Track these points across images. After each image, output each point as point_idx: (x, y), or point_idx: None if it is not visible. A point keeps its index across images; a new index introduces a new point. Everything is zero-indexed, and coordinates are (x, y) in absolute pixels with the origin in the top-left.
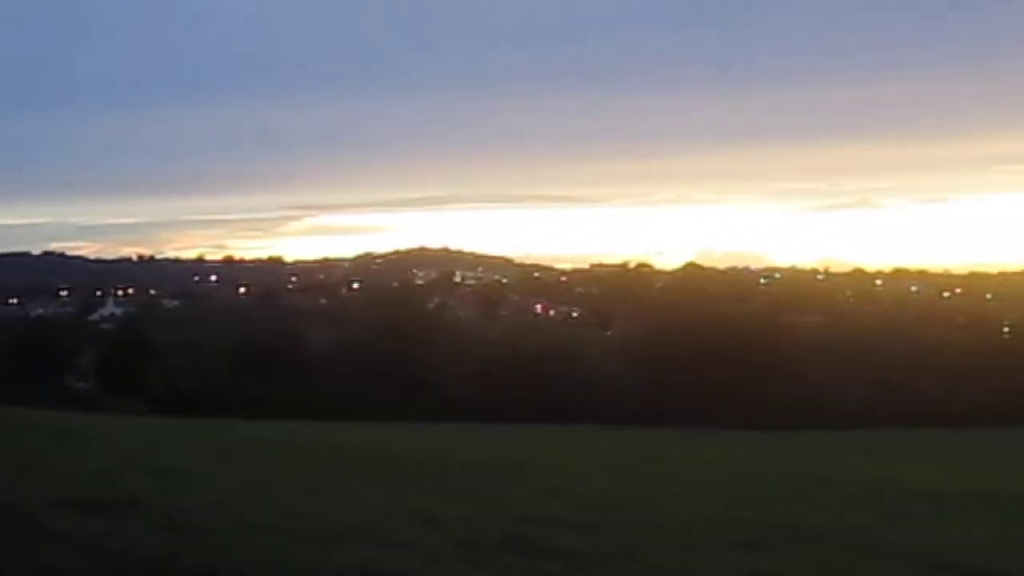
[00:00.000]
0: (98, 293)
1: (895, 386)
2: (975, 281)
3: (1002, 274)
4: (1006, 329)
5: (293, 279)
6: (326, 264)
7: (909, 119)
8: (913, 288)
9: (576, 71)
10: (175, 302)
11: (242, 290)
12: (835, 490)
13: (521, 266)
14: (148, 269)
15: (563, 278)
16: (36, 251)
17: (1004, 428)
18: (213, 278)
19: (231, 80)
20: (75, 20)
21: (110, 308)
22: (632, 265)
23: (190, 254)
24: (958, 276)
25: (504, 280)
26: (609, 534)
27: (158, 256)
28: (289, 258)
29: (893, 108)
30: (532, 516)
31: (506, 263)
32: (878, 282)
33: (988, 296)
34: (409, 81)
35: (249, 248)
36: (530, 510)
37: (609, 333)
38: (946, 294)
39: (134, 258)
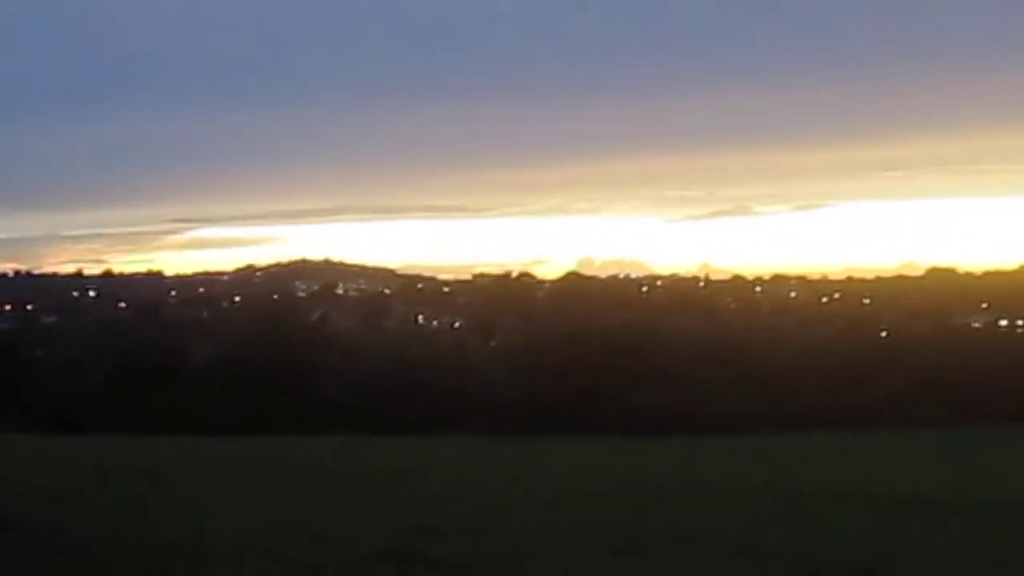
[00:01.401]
0: None
1: (777, 390)
2: (853, 286)
3: (879, 278)
4: (883, 333)
5: (173, 293)
6: (207, 277)
7: (787, 126)
8: (792, 294)
9: (455, 80)
10: (53, 317)
11: (122, 304)
12: (716, 494)
13: (404, 277)
14: (26, 284)
15: (446, 288)
16: None
17: (884, 431)
18: (92, 292)
19: (107, 92)
20: None
21: None
22: (514, 274)
23: (68, 269)
24: (836, 281)
25: (387, 291)
26: (490, 543)
27: (35, 271)
28: (169, 271)
29: (771, 115)
30: (414, 526)
31: (388, 274)
32: (758, 288)
33: (865, 300)
34: (289, 92)
35: (129, 262)
36: (412, 521)
37: (492, 342)
38: (824, 299)
39: (11, 274)
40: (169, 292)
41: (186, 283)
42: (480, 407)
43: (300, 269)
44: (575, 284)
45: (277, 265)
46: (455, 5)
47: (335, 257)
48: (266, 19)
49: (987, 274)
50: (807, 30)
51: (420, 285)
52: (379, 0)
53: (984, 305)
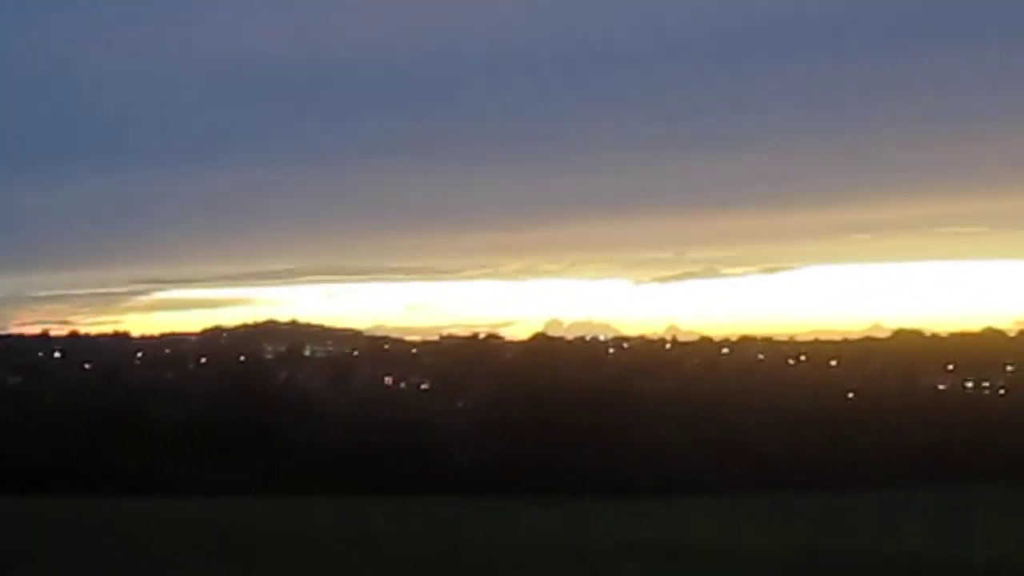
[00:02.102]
0: None
1: (744, 452)
2: (820, 348)
3: (845, 340)
4: (850, 395)
5: (140, 354)
6: (174, 338)
7: (754, 188)
8: (759, 355)
9: (422, 143)
10: (18, 378)
11: (87, 365)
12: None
13: (371, 338)
14: None
15: (413, 350)
16: None
17: (853, 491)
18: (58, 354)
19: (74, 154)
20: None
21: None
22: (481, 336)
23: (34, 330)
24: (803, 343)
25: (354, 353)
26: None
27: (1, 333)
28: (136, 332)
29: (739, 178)
30: None
31: (356, 335)
32: (725, 350)
33: (832, 362)
34: (256, 155)
35: (95, 323)
36: None
37: (460, 404)
38: (791, 361)
39: None
40: (135, 353)
41: (153, 344)
42: (447, 468)
43: (267, 331)
44: (543, 346)
45: (244, 326)
46: (424, 67)
47: (303, 319)
48: (233, 83)
49: (953, 336)
50: (774, 94)
51: (387, 346)
52: (346, 63)
53: (950, 367)
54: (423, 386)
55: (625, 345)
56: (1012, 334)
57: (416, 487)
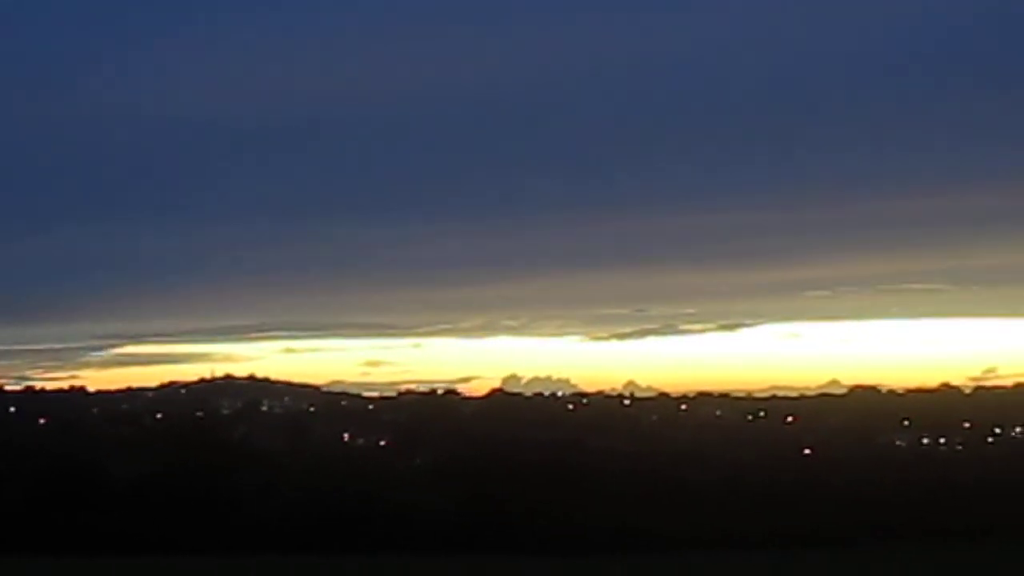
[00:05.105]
0: None
1: (702, 509)
2: (777, 404)
3: (803, 397)
4: (807, 451)
5: (95, 410)
6: (130, 393)
7: (712, 246)
8: (717, 412)
9: (382, 199)
10: None
11: (42, 420)
12: None
13: (328, 395)
14: None
15: (371, 406)
16: None
17: (809, 549)
18: (12, 409)
19: (29, 208)
20: None
21: None
22: (440, 392)
23: None
24: (760, 400)
25: (311, 409)
26: None
27: None
28: (93, 387)
29: (697, 235)
30: None
31: (313, 392)
32: (683, 406)
33: (790, 419)
34: (215, 210)
35: (51, 379)
36: None
37: (417, 460)
38: (749, 417)
39: None
40: (91, 408)
41: (109, 399)
42: (404, 526)
43: (224, 386)
44: (501, 402)
45: (202, 382)
46: (383, 125)
47: (260, 374)
48: (194, 139)
49: (909, 393)
50: (732, 152)
51: (345, 403)
52: (308, 121)
53: (906, 423)
54: (381, 442)
55: (583, 401)
56: (968, 391)
57: (372, 545)
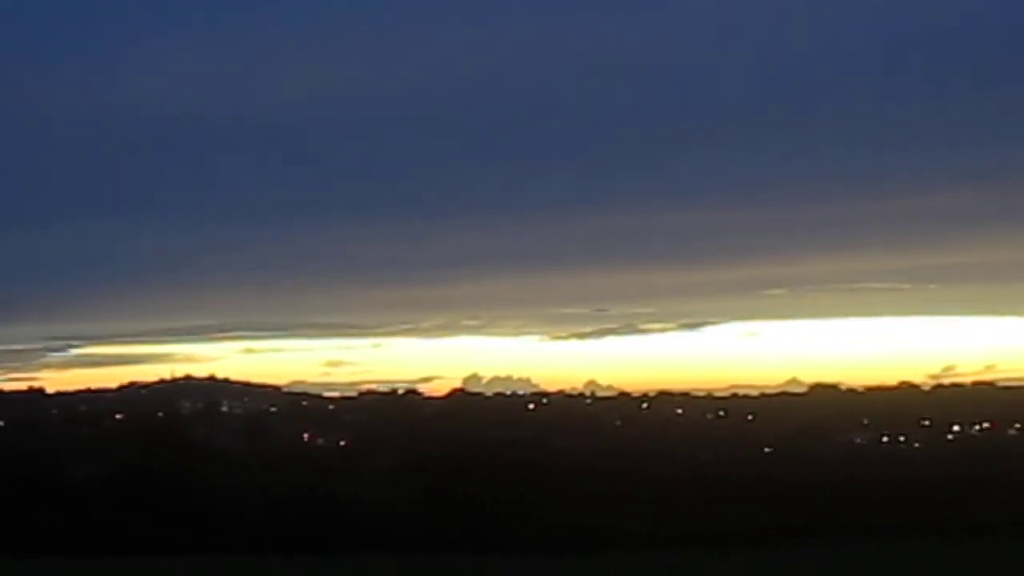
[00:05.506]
0: None
1: (663, 508)
2: (737, 403)
3: (763, 396)
4: (767, 450)
5: (55, 411)
6: (90, 394)
7: (672, 245)
8: (678, 411)
9: (345, 198)
10: None
11: (0, 423)
12: None
13: (289, 395)
14: None
15: (331, 406)
16: None
17: (769, 547)
18: None
19: None
20: None
21: None
22: (400, 392)
23: None
24: (721, 398)
25: (272, 409)
26: None
27: None
28: (51, 389)
29: (657, 235)
30: None
31: (274, 392)
32: (644, 405)
33: (750, 417)
34: (173, 211)
35: (10, 380)
36: None
37: (378, 461)
38: (710, 416)
39: None
40: (51, 410)
41: (68, 400)
42: (365, 526)
43: (184, 387)
44: (462, 402)
45: (162, 382)
46: (341, 124)
47: (221, 374)
48: (149, 140)
49: (868, 391)
50: (689, 151)
51: (306, 403)
52: (264, 120)
53: (866, 422)
54: (342, 443)
55: (544, 401)
56: (927, 389)
57: (333, 545)
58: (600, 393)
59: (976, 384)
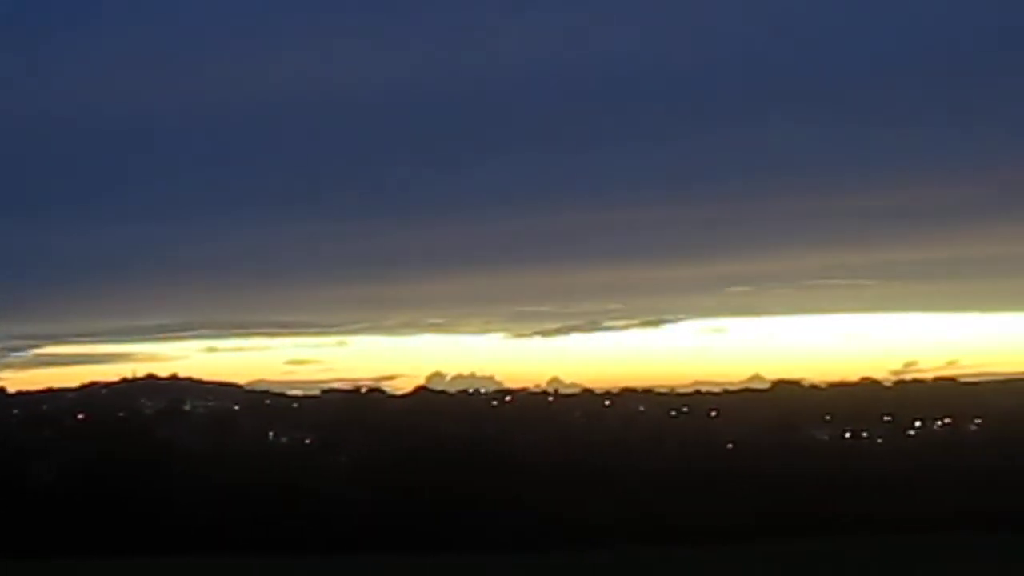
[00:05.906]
0: None
1: (626, 504)
2: (700, 399)
3: (726, 392)
4: (730, 445)
5: (15, 411)
6: (51, 394)
7: (634, 241)
8: (641, 407)
9: (303, 196)
10: None
11: None
12: None
13: (252, 393)
14: None
15: (295, 404)
16: None
17: (731, 544)
18: None
19: None
20: None
21: None
22: (364, 390)
23: None
24: (684, 395)
25: (235, 408)
26: None
27: None
28: (12, 389)
29: (619, 231)
30: None
31: (237, 390)
32: (607, 402)
33: (713, 413)
34: (133, 208)
35: None
36: None
37: (342, 458)
38: (673, 412)
39: None
40: (11, 410)
41: (29, 401)
42: (328, 525)
43: (147, 386)
44: (425, 399)
45: (124, 381)
46: (301, 119)
47: (183, 373)
48: (106, 136)
49: (831, 387)
50: (651, 146)
51: (268, 401)
52: (225, 114)
53: (828, 418)
54: (306, 440)
55: (507, 398)
56: (889, 384)
57: (297, 544)
58: (563, 390)
59: (937, 380)
